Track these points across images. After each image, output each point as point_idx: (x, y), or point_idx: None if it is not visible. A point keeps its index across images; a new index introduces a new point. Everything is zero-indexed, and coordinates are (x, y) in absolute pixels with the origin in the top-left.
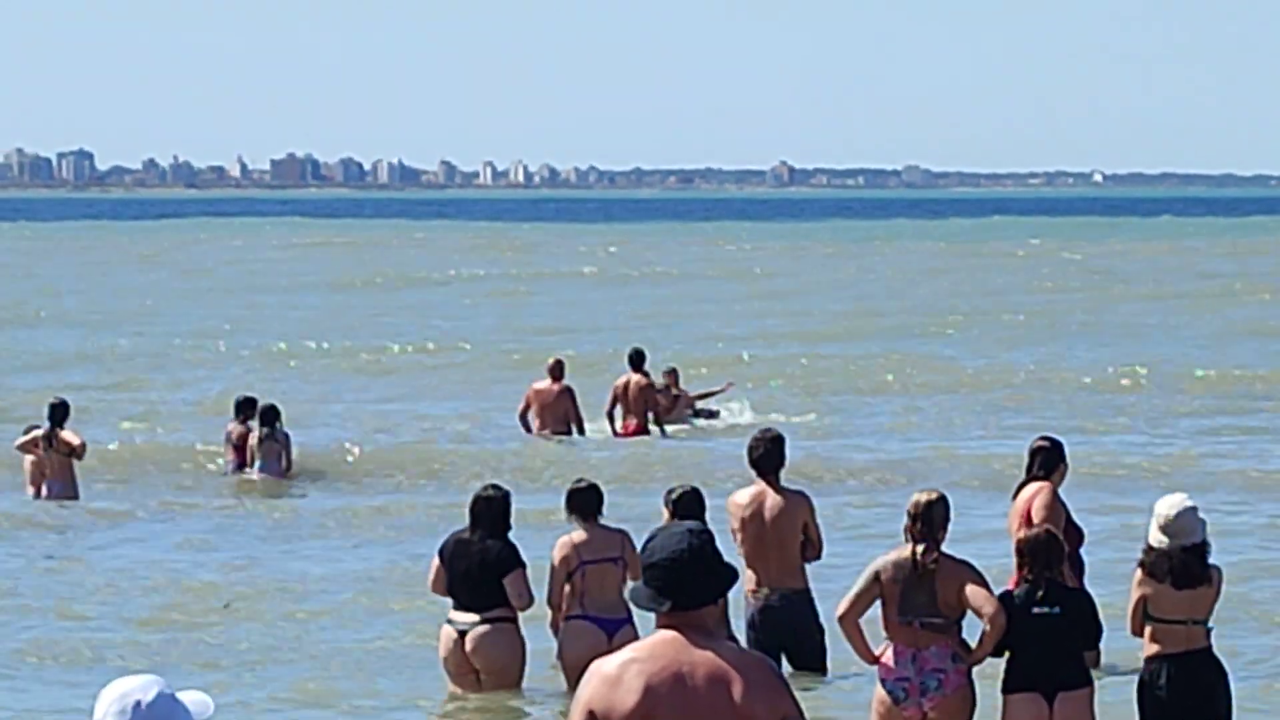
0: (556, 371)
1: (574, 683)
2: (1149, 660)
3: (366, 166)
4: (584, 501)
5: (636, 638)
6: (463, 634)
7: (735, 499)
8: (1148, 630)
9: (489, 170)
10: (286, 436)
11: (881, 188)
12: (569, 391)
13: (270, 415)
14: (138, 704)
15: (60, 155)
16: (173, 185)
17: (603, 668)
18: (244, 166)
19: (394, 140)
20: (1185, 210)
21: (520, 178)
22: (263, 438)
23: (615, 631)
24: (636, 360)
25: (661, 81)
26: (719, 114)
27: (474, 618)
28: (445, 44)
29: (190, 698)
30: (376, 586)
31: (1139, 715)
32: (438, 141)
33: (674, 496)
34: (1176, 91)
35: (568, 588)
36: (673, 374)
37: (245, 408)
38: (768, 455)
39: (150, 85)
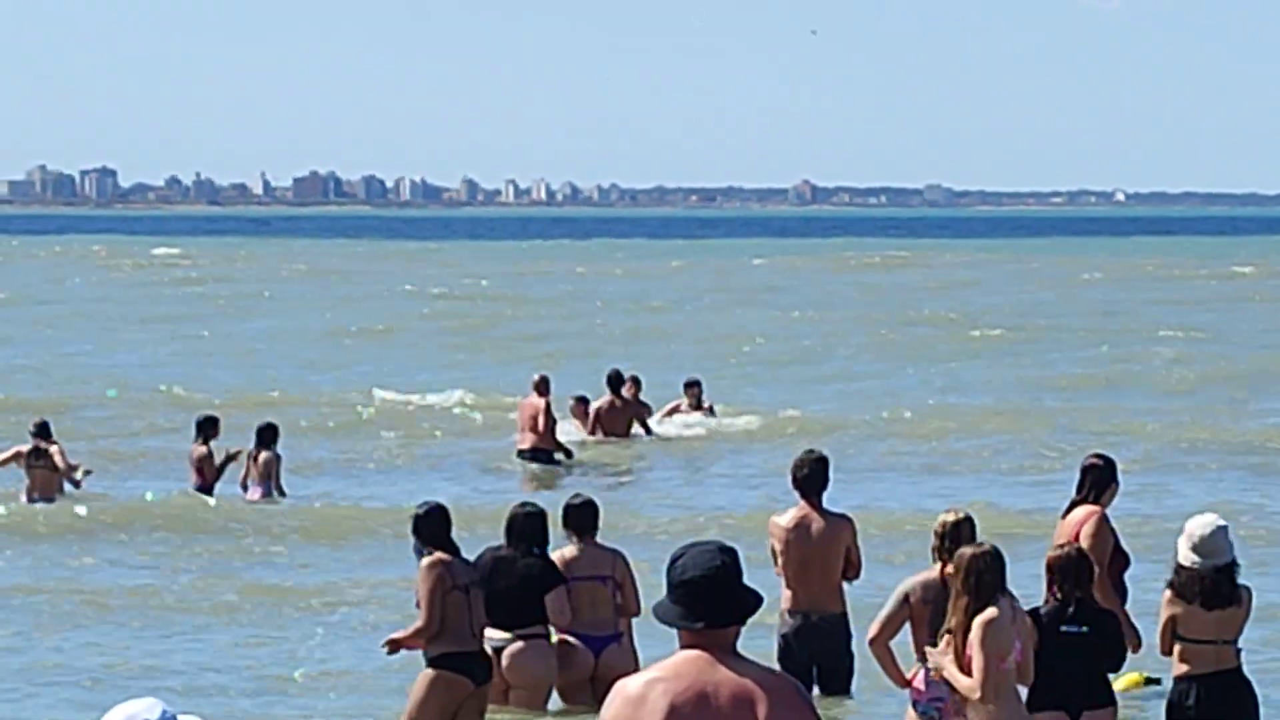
0: (542, 387)
1: (566, 697)
2: (1178, 680)
3: (389, 184)
4: (580, 518)
5: (629, 655)
6: (497, 651)
7: (778, 520)
8: (1177, 650)
9: (511, 188)
10: (278, 458)
11: (904, 206)
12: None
13: (268, 435)
14: None
15: (83, 173)
16: (195, 202)
17: (627, 687)
18: (266, 184)
19: (416, 157)
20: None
21: (542, 195)
22: (255, 458)
23: (602, 649)
24: (614, 382)
25: (684, 100)
26: (741, 132)
27: (509, 635)
28: (468, 62)
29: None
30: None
31: None
32: (460, 159)
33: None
34: (1199, 110)
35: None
36: (635, 382)
37: (206, 427)
38: (811, 476)
39: (173, 103)
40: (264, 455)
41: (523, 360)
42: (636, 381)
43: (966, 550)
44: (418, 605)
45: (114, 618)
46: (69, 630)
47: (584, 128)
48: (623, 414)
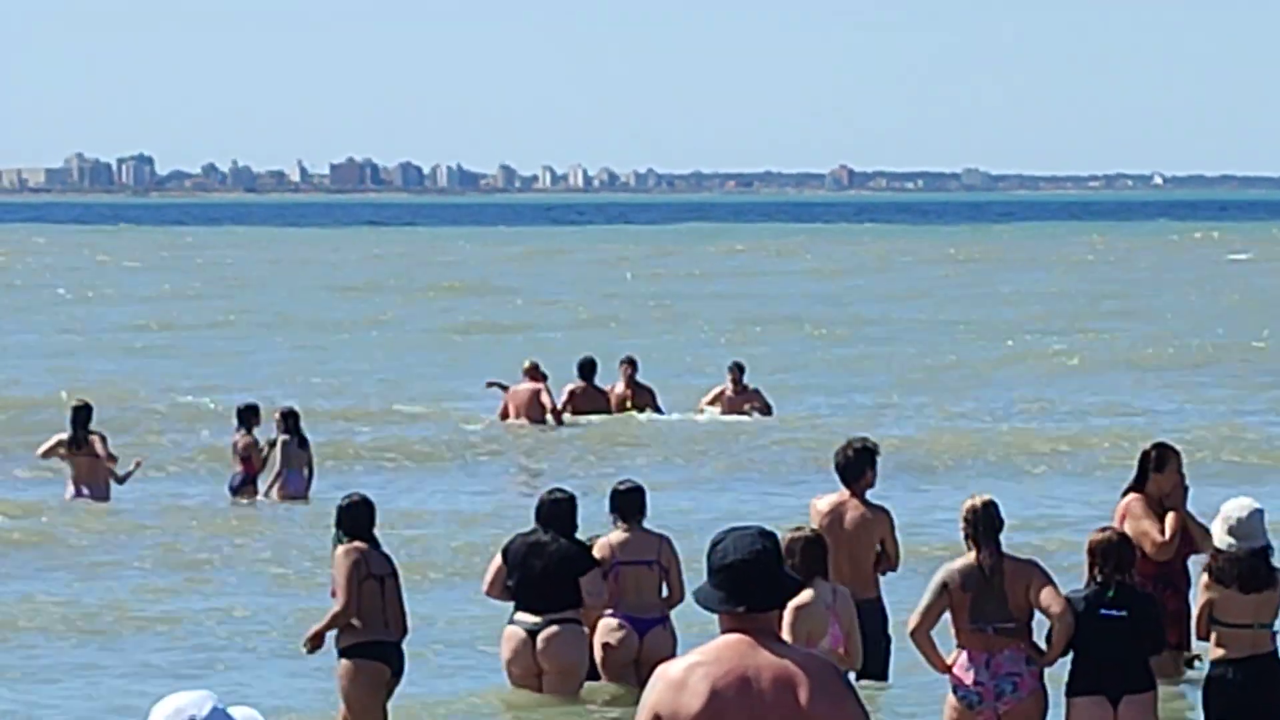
0: (534, 372)
1: (610, 678)
2: (1215, 664)
3: (425, 171)
4: (627, 503)
5: (670, 638)
6: (533, 634)
7: (816, 504)
8: (1214, 635)
9: (548, 174)
10: (306, 443)
11: (941, 190)
12: (541, 392)
13: (291, 420)
14: (192, 718)
15: (120, 160)
16: (232, 190)
17: (668, 671)
18: (303, 171)
19: (453, 144)
20: None
21: (579, 181)
22: (284, 445)
23: (647, 631)
24: (586, 370)
25: (721, 85)
26: (778, 117)
27: (545, 618)
28: (504, 48)
29: (240, 713)
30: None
31: (1205, 719)
32: (497, 145)
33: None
34: (1237, 92)
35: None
36: (630, 364)
37: (248, 416)
38: (851, 465)
39: (210, 90)
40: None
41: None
42: (632, 363)
43: (789, 534)
44: (333, 594)
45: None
46: None
47: (621, 113)
48: (595, 400)
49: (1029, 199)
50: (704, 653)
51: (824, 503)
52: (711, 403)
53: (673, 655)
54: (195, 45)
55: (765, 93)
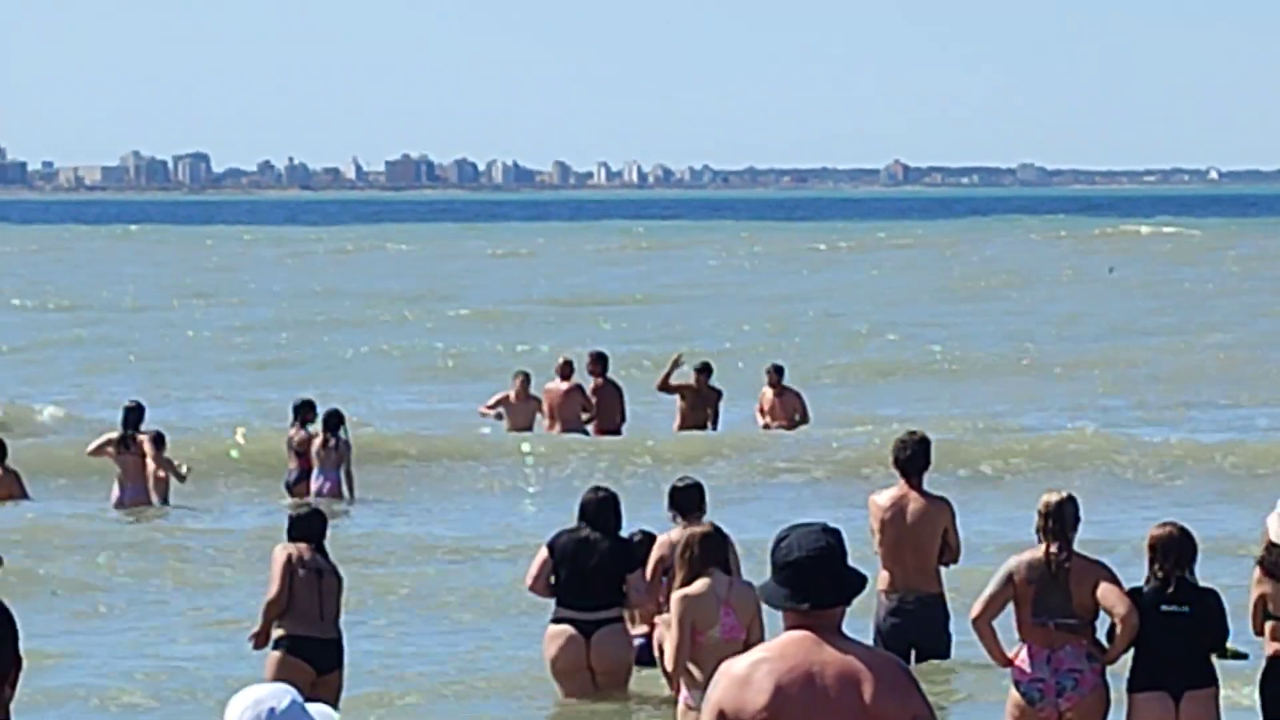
0: (565, 371)
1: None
2: (1270, 659)
3: (481, 167)
4: (686, 499)
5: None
6: (584, 633)
7: (876, 499)
8: (1268, 628)
9: (603, 170)
10: (348, 445)
11: (996, 185)
12: (579, 389)
13: (334, 420)
14: (271, 710)
15: (176, 158)
16: (288, 187)
17: (732, 668)
18: (359, 168)
19: (508, 141)
20: None
21: (634, 178)
22: (324, 444)
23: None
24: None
25: (776, 81)
26: (833, 113)
27: (594, 616)
28: (559, 45)
29: (316, 709)
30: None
31: (1262, 714)
32: (552, 142)
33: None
34: None
35: (662, 584)
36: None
37: (304, 411)
38: (913, 458)
39: (266, 88)
40: (333, 440)
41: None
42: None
43: (689, 530)
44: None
45: None
46: None
47: (676, 109)
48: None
49: (1085, 194)
50: (769, 649)
51: (884, 497)
52: (762, 413)
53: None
54: (252, 43)
55: (820, 88)
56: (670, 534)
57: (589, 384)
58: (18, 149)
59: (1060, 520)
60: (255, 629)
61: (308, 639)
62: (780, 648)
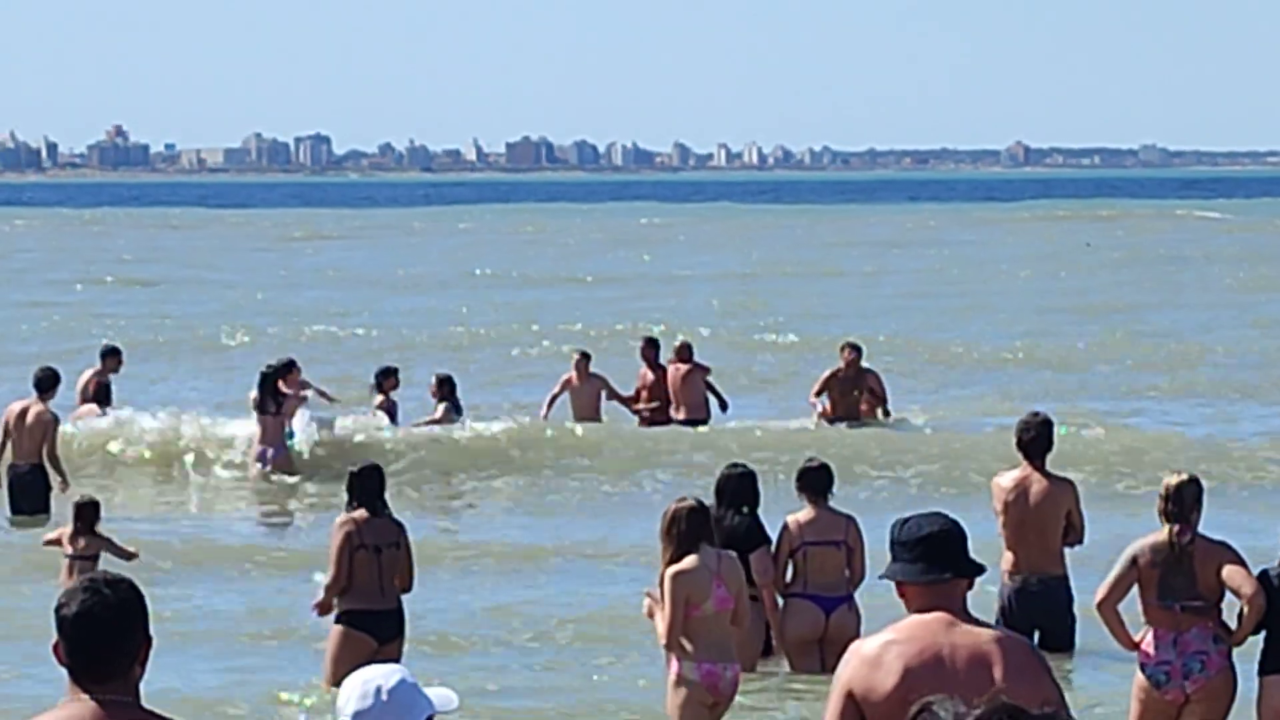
0: (684, 353)
1: (794, 657)
2: None
3: (601, 149)
4: (814, 480)
5: (855, 617)
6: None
7: (999, 481)
8: None
9: (723, 152)
10: (461, 409)
11: (1118, 167)
12: (700, 369)
13: (448, 387)
14: (379, 689)
15: (298, 140)
16: (408, 169)
17: (862, 649)
18: (479, 150)
19: (628, 122)
20: None
21: (754, 159)
22: (444, 414)
23: (833, 610)
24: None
25: (896, 62)
26: (954, 93)
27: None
28: (680, 25)
29: (435, 691)
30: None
31: None
32: (672, 123)
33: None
34: None
35: (790, 565)
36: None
37: (384, 380)
38: (1037, 440)
39: (387, 69)
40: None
41: None
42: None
43: (672, 504)
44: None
45: None
46: None
47: (795, 90)
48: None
49: (1209, 174)
50: (898, 630)
51: (1007, 479)
52: (819, 393)
53: (857, 635)
54: (374, 25)
55: (941, 69)
56: (797, 515)
57: (673, 370)
58: (141, 131)
59: (1180, 502)
60: (315, 601)
61: (366, 612)
62: (909, 629)
